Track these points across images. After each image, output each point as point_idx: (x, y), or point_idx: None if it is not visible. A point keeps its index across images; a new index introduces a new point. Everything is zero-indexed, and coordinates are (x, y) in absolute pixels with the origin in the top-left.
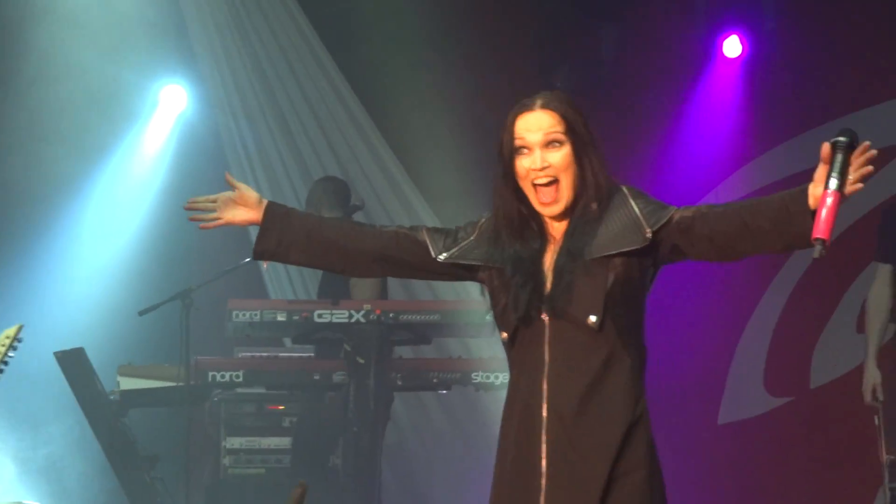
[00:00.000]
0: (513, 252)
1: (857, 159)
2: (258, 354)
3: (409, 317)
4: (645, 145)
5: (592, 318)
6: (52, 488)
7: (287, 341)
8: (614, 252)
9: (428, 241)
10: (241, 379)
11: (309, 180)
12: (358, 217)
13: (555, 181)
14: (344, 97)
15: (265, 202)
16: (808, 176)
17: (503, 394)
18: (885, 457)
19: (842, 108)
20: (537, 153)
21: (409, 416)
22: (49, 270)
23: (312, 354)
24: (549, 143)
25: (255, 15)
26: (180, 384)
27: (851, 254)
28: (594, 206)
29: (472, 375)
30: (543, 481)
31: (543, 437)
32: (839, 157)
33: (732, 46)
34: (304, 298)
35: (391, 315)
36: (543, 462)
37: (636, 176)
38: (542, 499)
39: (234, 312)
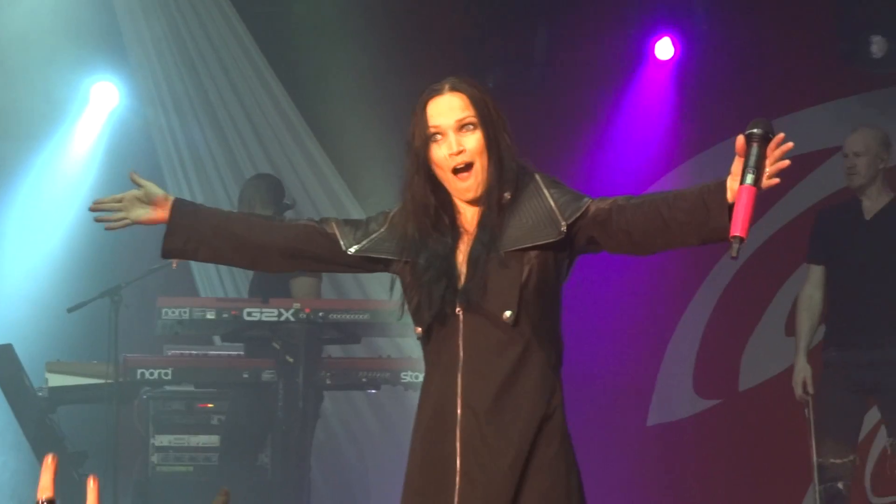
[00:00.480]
0: (425, 246)
1: (772, 152)
2: (187, 352)
3: (339, 316)
4: (576, 147)
5: (507, 313)
6: None
7: (217, 339)
8: (529, 245)
9: (338, 234)
10: (169, 377)
11: (240, 177)
12: (289, 215)
13: (470, 165)
14: (275, 95)
15: (171, 199)
16: None
17: None
18: (815, 458)
19: (774, 111)
20: (452, 137)
21: (338, 414)
22: None
23: (242, 353)
24: (463, 127)
25: (187, 12)
26: (109, 381)
27: (781, 257)
28: (507, 194)
29: (402, 375)
30: (458, 479)
31: (458, 435)
32: (754, 150)
33: (665, 49)
34: (235, 296)
35: (321, 314)
36: (458, 460)
37: (567, 178)
38: (456, 496)
39: (164, 310)
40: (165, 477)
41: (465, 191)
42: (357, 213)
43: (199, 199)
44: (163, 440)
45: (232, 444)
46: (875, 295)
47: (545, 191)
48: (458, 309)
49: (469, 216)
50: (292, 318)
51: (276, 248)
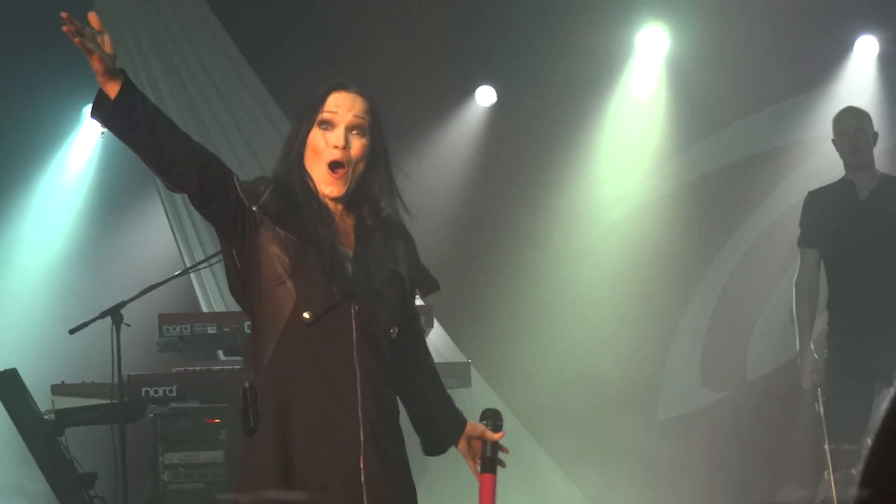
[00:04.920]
0: (316, 232)
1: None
2: (191, 368)
3: None
4: (569, 140)
5: (393, 330)
6: None
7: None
8: (409, 280)
9: (236, 181)
10: (174, 394)
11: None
12: None
13: (344, 166)
14: (248, 81)
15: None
16: (741, 164)
17: None
18: (827, 445)
19: (755, 105)
20: (341, 131)
21: None
22: None
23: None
24: (355, 128)
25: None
26: (114, 401)
27: (781, 244)
28: (383, 211)
29: None
30: (362, 458)
31: (360, 414)
32: (489, 445)
33: (656, 40)
34: (235, 311)
35: None
36: (361, 434)
37: (558, 173)
38: (363, 474)
39: (164, 327)
40: (177, 495)
41: (328, 185)
42: None
43: None
44: (172, 458)
45: (236, 458)
46: (877, 275)
47: (412, 243)
48: (353, 307)
49: (337, 213)
50: None
51: (196, 152)
